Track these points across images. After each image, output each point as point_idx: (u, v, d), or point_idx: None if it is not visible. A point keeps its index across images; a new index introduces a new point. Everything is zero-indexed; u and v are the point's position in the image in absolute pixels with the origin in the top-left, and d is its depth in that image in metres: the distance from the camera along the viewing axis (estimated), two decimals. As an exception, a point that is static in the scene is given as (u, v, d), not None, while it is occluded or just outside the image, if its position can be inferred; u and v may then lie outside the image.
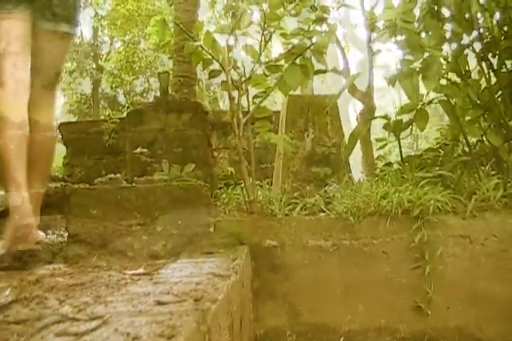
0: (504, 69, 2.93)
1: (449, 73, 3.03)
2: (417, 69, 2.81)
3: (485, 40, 2.92)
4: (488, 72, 2.93)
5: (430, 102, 3.07)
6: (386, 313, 2.36)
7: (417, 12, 2.95)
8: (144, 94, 21.75)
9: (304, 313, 2.47)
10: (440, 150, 3.30)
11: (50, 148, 2.72)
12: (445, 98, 3.00)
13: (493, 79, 2.94)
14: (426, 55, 2.83)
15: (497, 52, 2.91)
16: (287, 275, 2.49)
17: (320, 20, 2.89)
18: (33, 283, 1.49)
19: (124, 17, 16.74)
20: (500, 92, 2.92)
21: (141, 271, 1.88)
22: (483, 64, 2.95)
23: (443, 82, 2.97)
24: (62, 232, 2.81)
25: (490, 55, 2.94)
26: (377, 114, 3.99)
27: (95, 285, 1.54)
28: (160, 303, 1.04)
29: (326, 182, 3.36)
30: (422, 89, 2.87)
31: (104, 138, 7.94)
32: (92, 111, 21.83)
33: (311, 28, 2.90)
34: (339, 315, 2.46)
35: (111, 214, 2.43)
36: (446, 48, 3.01)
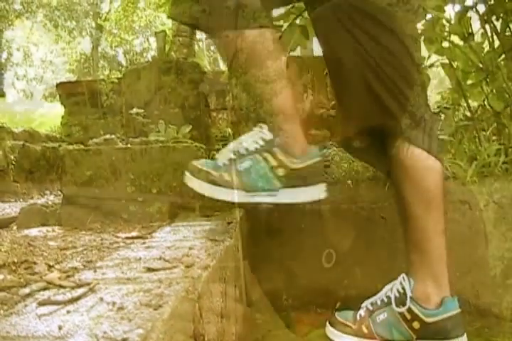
0: (508, 33, 2.87)
1: (452, 36, 2.97)
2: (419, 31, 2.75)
3: (489, 2, 2.85)
4: (492, 35, 2.87)
5: (432, 65, 3.02)
6: (383, 278, 2.35)
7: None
8: (144, 54, 21.58)
9: (300, 277, 2.46)
10: (441, 113, 3.26)
11: None
12: (447, 61, 2.95)
13: (497, 43, 2.88)
14: (428, 16, 2.78)
15: (501, 14, 2.84)
16: (283, 240, 2.47)
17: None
18: (24, 247, 1.47)
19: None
20: (503, 56, 2.87)
21: (134, 234, 1.86)
22: (487, 27, 2.89)
23: (445, 44, 2.92)
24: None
25: (494, 18, 2.87)
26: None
27: (87, 250, 1.52)
28: (150, 270, 1.03)
29: (325, 145, 3.33)
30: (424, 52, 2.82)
31: (102, 98, 7.90)
32: (92, 71, 21.71)
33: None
34: (336, 279, 2.46)
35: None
36: (449, 9, 2.95)
